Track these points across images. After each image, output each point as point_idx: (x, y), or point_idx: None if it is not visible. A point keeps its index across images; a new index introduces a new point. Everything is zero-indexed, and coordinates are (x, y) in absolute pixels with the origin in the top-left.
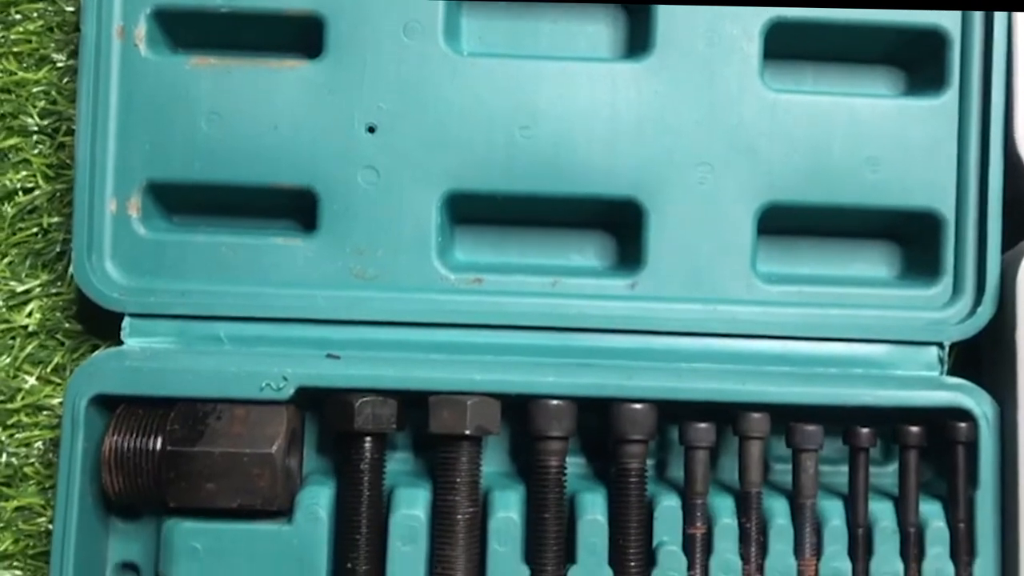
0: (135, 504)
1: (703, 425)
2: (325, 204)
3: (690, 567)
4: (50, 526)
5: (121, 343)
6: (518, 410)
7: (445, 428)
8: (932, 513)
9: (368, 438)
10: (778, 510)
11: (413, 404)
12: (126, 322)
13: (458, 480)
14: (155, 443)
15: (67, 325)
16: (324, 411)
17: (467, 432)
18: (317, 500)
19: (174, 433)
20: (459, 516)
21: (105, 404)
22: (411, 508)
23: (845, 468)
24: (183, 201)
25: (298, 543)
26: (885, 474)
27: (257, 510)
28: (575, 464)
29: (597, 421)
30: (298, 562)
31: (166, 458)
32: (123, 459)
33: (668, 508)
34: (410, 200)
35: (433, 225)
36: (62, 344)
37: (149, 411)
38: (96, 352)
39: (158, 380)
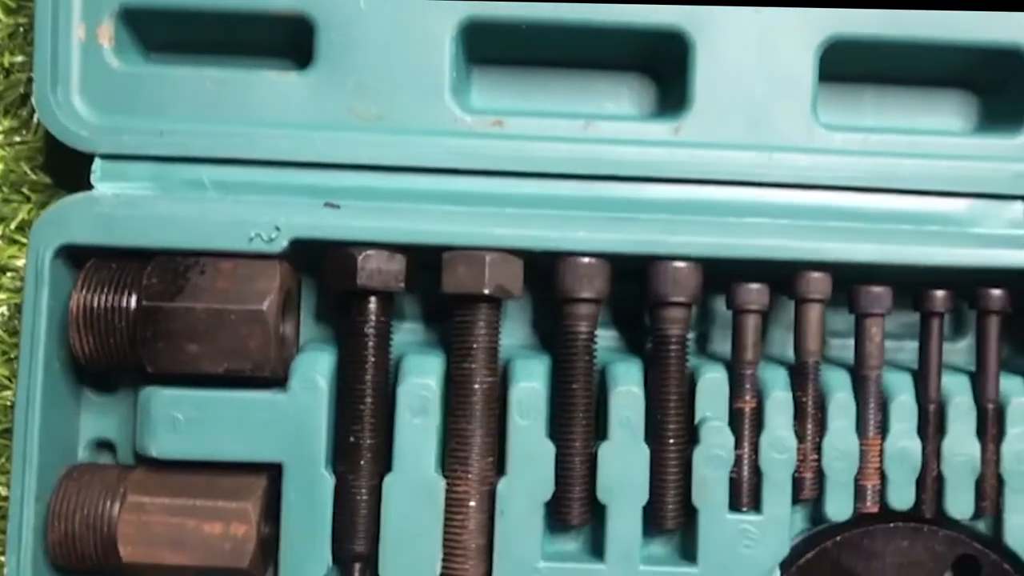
0: (109, 373)
1: (755, 285)
2: (322, 33)
3: (737, 445)
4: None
5: (91, 188)
6: (543, 272)
7: (460, 287)
8: (1013, 389)
9: (373, 297)
10: (838, 383)
11: (424, 267)
12: (97, 164)
13: (475, 346)
14: (129, 299)
15: (33, 177)
16: (322, 268)
17: (486, 292)
18: (315, 366)
19: (151, 288)
20: (476, 386)
21: (73, 257)
22: (422, 376)
23: (910, 344)
24: (163, 32)
25: (294, 414)
26: (956, 351)
27: (246, 376)
28: (607, 338)
29: (632, 288)
30: (293, 435)
31: (141, 315)
32: (93, 317)
33: (712, 380)
34: (420, 28)
35: (447, 58)
36: (28, 199)
37: (123, 265)
38: (64, 199)
39: (133, 229)
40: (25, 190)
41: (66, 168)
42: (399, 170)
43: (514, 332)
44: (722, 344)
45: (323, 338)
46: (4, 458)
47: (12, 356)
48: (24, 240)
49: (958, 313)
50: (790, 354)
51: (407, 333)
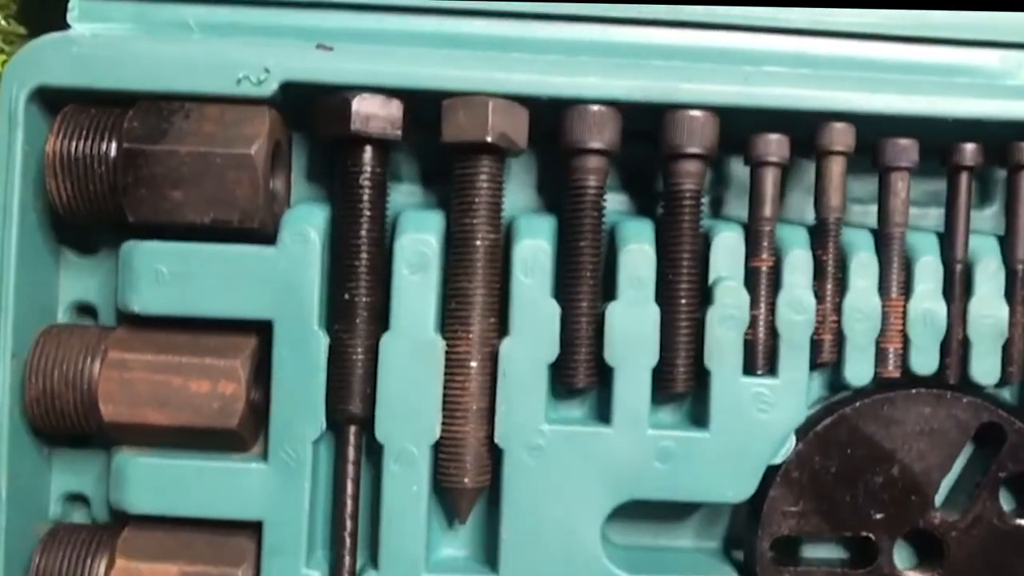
0: (90, 232)
1: (775, 136)
2: None
3: (753, 305)
4: None
5: (68, 28)
6: (548, 128)
7: (461, 135)
8: None
9: (368, 146)
10: (860, 243)
11: (423, 125)
12: (74, 3)
13: (477, 200)
14: (109, 144)
15: (6, 25)
16: (314, 115)
17: (488, 140)
18: (307, 220)
19: (132, 131)
20: (478, 242)
21: (49, 102)
22: (421, 232)
23: (934, 211)
24: None
25: (284, 268)
26: (983, 218)
27: (234, 228)
28: (616, 202)
29: (644, 150)
30: (284, 291)
31: (123, 158)
32: (71, 162)
33: (728, 239)
34: None
35: None
36: (2, 51)
37: (103, 110)
38: (39, 38)
39: (112, 70)
40: None
41: (44, 18)
42: (396, 10)
43: (518, 196)
44: (738, 209)
45: (315, 198)
46: None
47: None
48: None
49: (984, 181)
50: (810, 218)
51: (405, 195)
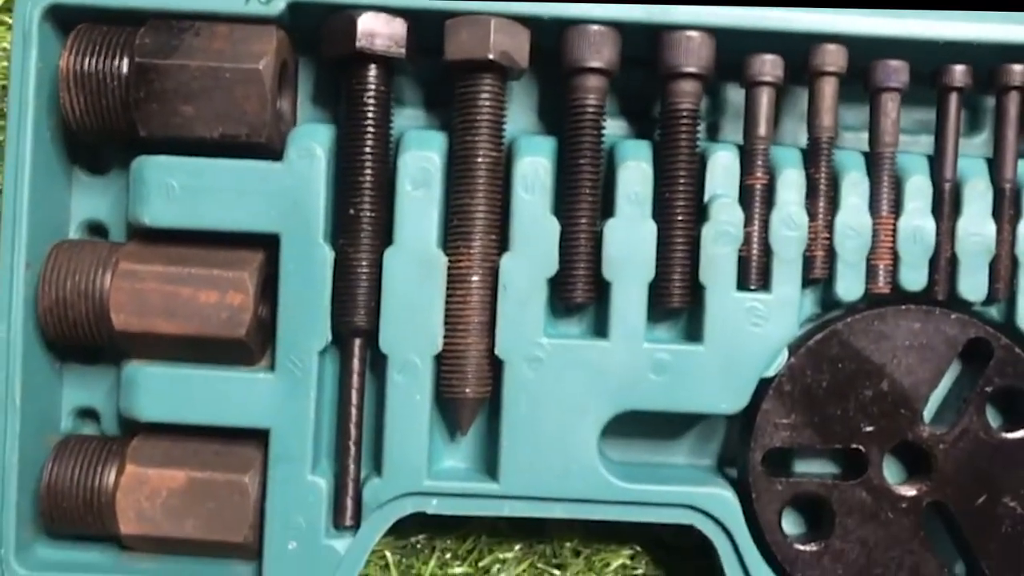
0: (101, 152)
1: (769, 56)
2: None
3: (747, 222)
4: None
5: None
6: (549, 53)
7: (463, 53)
8: None
9: (372, 65)
10: (852, 163)
11: (426, 50)
12: None
13: (479, 118)
14: (121, 60)
15: None
16: (321, 36)
17: (490, 57)
18: (313, 136)
19: (144, 47)
20: (479, 159)
21: (62, 20)
22: (424, 149)
23: (925, 138)
24: None
25: (291, 183)
26: (972, 145)
27: (242, 143)
28: (615, 127)
29: (642, 79)
30: (290, 206)
31: (134, 73)
32: (84, 77)
33: (723, 158)
34: None
35: None
36: None
37: (114, 28)
38: None
39: None
40: None
41: None
42: None
43: (519, 119)
44: (734, 134)
45: (321, 121)
46: None
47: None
48: (9, 20)
49: (974, 109)
50: (803, 144)
51: (408, 119)
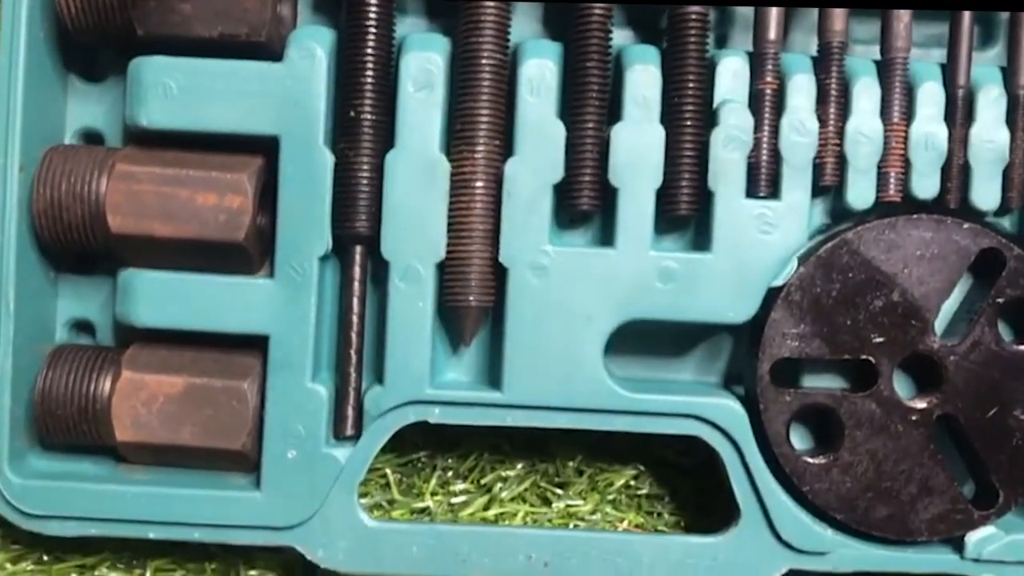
0: (97, 58)
1: None
2: None
3: (756, 128)
4: None
5: None
6: None
7: None
8: None
9: None
10: (863, 70)
11: None
12: None
13: (483, 19)
14: None
15: None
16: None
17: None
18: (314, 37)
19: None
20: (484, 61)
21: None
22: (426, 51)
23: (936, 52)
24: None
25: (291, 84)
26: (986, 58)
27: (241, 43)
28: (621, 37)
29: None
30: (290, 107)
31: None
32: None
33: (733, 63)
34: None
35: None
36: None
37: None
38: None
39: None
40: None
41: None
42: None
43: (524, 27)
44: (743, 43)
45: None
46: None
47: None
48: None
49: (988, 23)
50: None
51: (409, 27)
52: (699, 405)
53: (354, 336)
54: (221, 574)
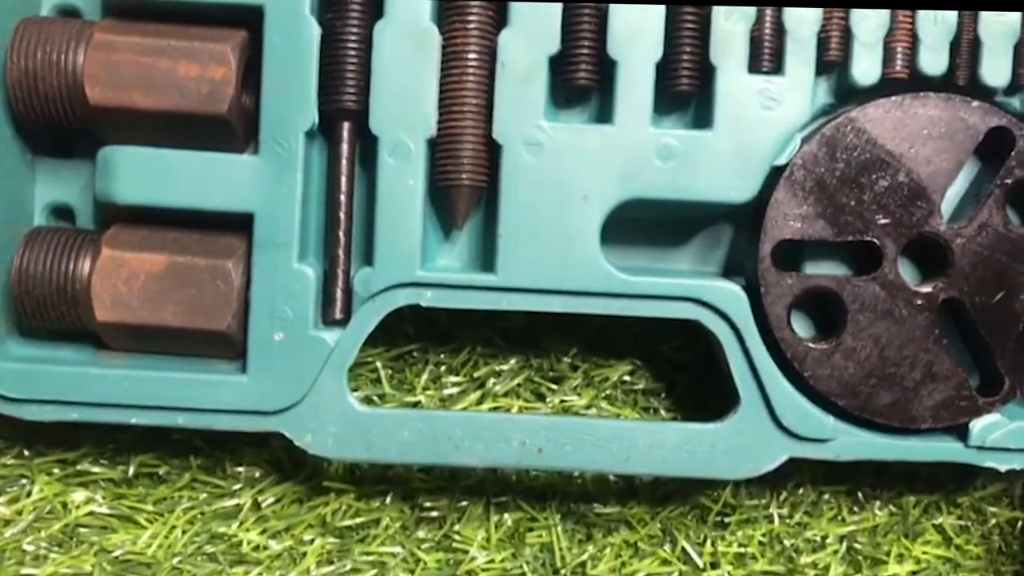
0: None
1: None
2: None
3: None
4: None
5: None
6: None
7: None
8: None
9: None
10: None
11: None
12: None
13: None
14: None
15: None
16: None
17: None
18: None
19: None
20: None
21: None
22: None
23: None
24: None
25: None
26: None
27: None
28: None
29: None
30: None
31: None
32: None
33: None
34: None
35: None
36: None
37: None
38: None
39: None
40: None
41: None
42: None
43: None
44: None
45: None
46: None
47: None
48: None
49: None
50: None
51: None
52: (698, 288)
53: (342, 216)
54: (207, 470)
